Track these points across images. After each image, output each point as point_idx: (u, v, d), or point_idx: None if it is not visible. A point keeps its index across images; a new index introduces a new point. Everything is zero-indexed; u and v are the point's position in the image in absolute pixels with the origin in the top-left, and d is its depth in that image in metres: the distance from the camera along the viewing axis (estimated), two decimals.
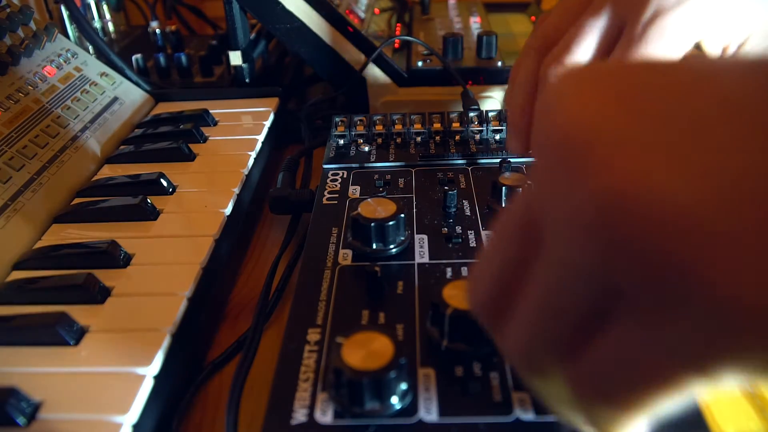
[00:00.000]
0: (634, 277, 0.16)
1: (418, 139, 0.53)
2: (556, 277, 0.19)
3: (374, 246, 0.38)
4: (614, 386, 0.19)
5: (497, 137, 0.52)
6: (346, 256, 0.38)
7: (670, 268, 0.15)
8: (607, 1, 0.38)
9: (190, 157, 0.54)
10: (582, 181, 0.16)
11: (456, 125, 0.53)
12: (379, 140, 0.53)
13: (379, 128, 0.53)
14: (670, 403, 0.18)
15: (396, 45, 0.71)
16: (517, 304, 0.21)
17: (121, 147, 0.56)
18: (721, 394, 0.33)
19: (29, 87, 0.54)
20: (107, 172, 0.52)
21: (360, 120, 0.54)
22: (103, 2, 0.82)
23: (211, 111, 0.61)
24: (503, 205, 0.42)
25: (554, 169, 0.18)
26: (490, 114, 0.53)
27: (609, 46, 0.38)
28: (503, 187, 0.41)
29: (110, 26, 0.84)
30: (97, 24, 0.81)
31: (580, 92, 0.18)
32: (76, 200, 0.48)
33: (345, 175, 0.48)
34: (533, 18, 0.83)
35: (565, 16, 0.40)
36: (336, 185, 0.47)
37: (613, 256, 0.16)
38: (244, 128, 0.59)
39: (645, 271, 0.16)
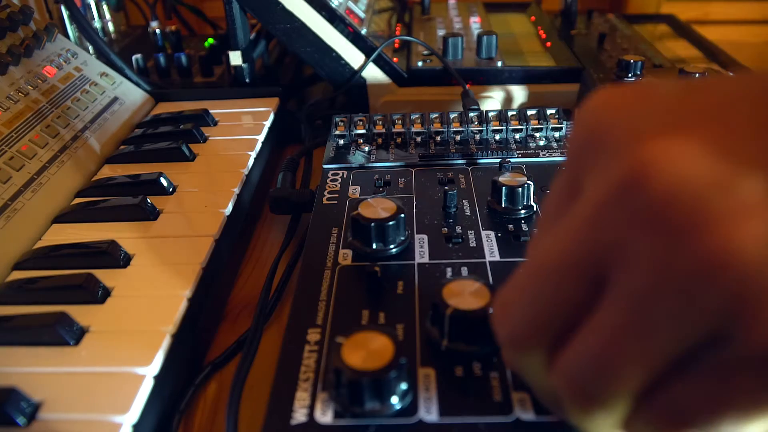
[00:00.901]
0: (756, 334, 0.17)
1: (418, 139, 0.53)
2: (642, 322, 0.18)
3: (374, 246, 0.38)
4: (703, 421, 0.19)
5: (497, 137, 0.52)
6: (346, 256, 0.38)
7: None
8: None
9: (190, 157, 0.54)
10: (700, 244, 0.16)
11: (456, 125, 0.53)
12: (379, 140, 0.53)
13: (379, 128, 0.53)
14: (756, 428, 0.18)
15: (396, 45, 0.71)
16: (574, 340, 0.20)
17: (121, 147, 0.56)
18: None
19: (29, 87, 0.54)
20: (107, 172, 0.52)
21: (360, 120, 0.54)
22: (103, 2, 0.82)
23: (211, 111, 0.61)
24: (503, 206, 0.42)
25: (652, 223, 0.17)
26: (490, 114, 0.53)
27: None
28: (503, 187, 0.41)
29: (110, 26, 0.84)
30: (97, 24, 0.81)
31: (664, 133, 0.18)
32: (76, 200, 0.48)
33: (345, 175, 0.48)
34: (533, 18, 0.83)
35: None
36: (336, 185, 0.47)
37: (729, 314, 0.17)
38: (244, 128, 0.59)
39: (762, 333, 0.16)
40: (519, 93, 0.64)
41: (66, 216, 0.46)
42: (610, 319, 0.19)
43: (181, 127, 0.57)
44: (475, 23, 0.79)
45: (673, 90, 0.20)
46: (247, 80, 0.67)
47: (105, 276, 0.38)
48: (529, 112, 0.53)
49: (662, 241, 0.17)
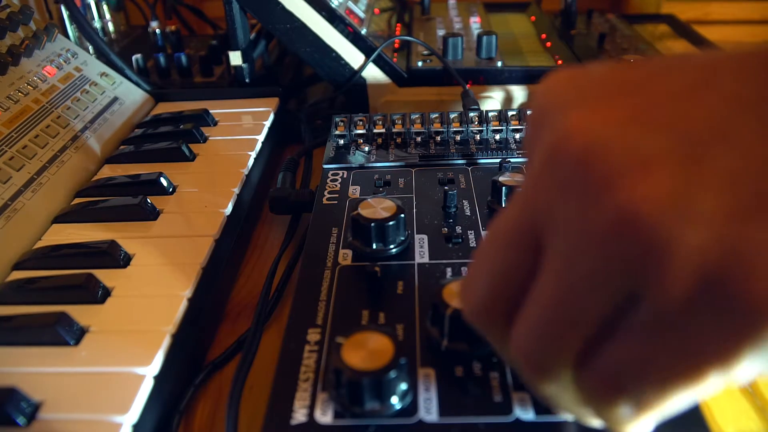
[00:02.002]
0: (661, 287, 0.17)
1: (418, 139, 0.53)
2: (568, 282, 0.19)
3: (374, 246, 0.38)
4: (633, 383, 0.19)
5: (497, 137, 0.52)
6: (346, 256, 0.38)
7: (707, 282, 0.16)
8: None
9: (190, 157, 0.54)
10: (598, 195, 0.17)
11: (456, 125, 0.53)
12: (379, 140, 0.53)
13: (379, 128, 0.53)
14: (686, 398, 0.19)
15: (396, 45, 0.71)
16: (521, 311, 0.21)
17: (121, 147, 0.56)
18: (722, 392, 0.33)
19: (29, 87, 0.54)
20: (107, 172, 0.52)
21: (360, 120, 0.54)
22: (103, 2, 0.82)
23: (211, 111, 0.61)
24: (503, 206, 0.42)
25: (573, 186, 0.18)
26: (490, 114, 0.53)
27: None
28: (503, 187, 0.41)
29: (110, 26, 0.84)
30: (97, 24, 0.81)
31: (590, 105, 0.19)
32: (76, 200, 0.48)
33: (345, 175, 0.48)
34: (533, 18, 0.83)
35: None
36: (336, 185, 0.47)
37: (644, 268, 0.17)
38: (244, 128, 0.59)
39: (673, 285, 0.17)
40: (519, 93, 0.64)
41: (66, 216, 0.46)
42: (544, 285, 0.20)
43: (181, 127, 0.57)
44: (475, 23, 0.79)
45: (603, 69, 0.21)
46: (247, 80, 0.67)
47: (105, 276, 0.38)
48: (529, 112, 0.53)
49: (578, 202, 0.18)
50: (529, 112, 0.22)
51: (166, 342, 0.34)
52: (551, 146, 0.19)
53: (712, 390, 0.18)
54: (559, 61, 0.66)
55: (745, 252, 0.16)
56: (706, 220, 0.16)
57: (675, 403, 0.19)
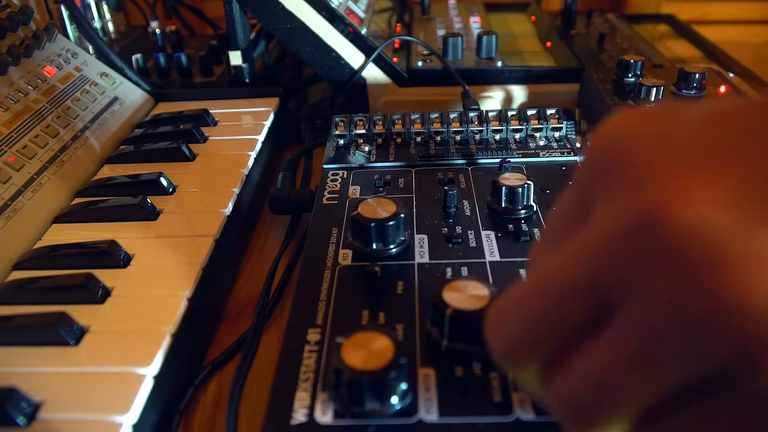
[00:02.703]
0: (763, 378, 0.17)
1: (418, 139, 0.53)
2: (644, 355, 0.18)
3: (374, 246, 0.38)
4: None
5: (497, 137, 0.52)
6: (346, 256, 0.38)
7: None
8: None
9: (190, 157, 0.54)
10: (713, 290, 0.16)
11: (456, 125, 0.53)
12: (379, 140, 0.53)
13: (379, 128, 0.53)
14: None
15: (396, 45, 0.71)
16: (575, 363, 0.20)
17: (121, 147, 0.56)
18: None
19: (29, 87, 0.54)
20: (107, 172, 0.52)
21: (360, 120, 0.54)
22: (103, 2, 0.82)
23: (211, 111, 0.61)
24: (502, 206, 0.42)
25: (663, 263, 0.17)
26: (490, 114, 0.53)
27: None
28: (503, 187, 0.41)
29: (110, 26, 0.84)
30: (97, 24, 0.81)
31: (683, 173, 0.18)
32: (76, 200, 0.48)
33: (345, 175, 0.48)
34: (533, 18, 0.83)
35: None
36: (336, 185, 0.47)
37: (736, 358, 0.17)
38: (244, 128, 0.59)
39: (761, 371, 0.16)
40: (519, 93, 0.64)
41: (66, 216, 0.46)
42: (615, 347, 0.19)
43: (181, 127, 0.57)
44: (475, 23, 0.79)
45: (694, 119, 0.19)
46: (247, 80, 0.67)
47: (105, 276, 0.38)
48: (529, 112, 0.53)
49: (676, 280, 0.17)
50: (595, 149, 0.21)
51: (166, 342, 0.34)
52: (642, 213, 0.18)
53: None
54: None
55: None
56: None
57: None
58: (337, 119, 0.54)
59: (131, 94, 0.63)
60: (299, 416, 0.28)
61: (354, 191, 0.46)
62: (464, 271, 0.37)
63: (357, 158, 0.50)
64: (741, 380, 0.17)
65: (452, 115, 0.53)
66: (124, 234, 0.43)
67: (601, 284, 0.19)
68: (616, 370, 0.19)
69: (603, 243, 0.19)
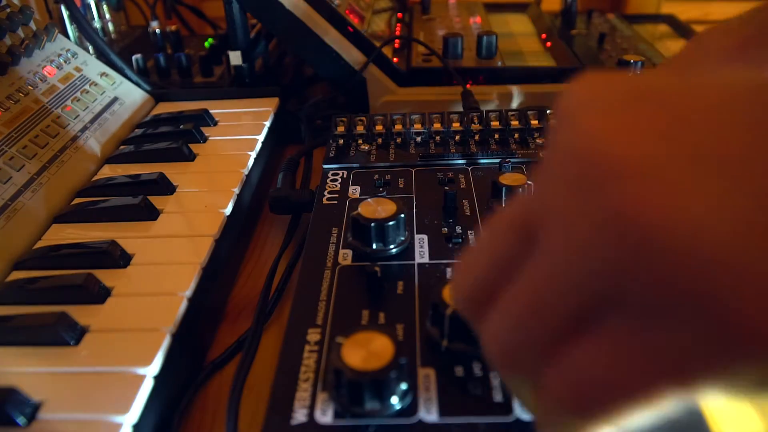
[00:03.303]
0: (635, 287, 0.17)
1: (418, 139, 0.53)
2: (548, 278, 0.19)
3: (374, 246, 0.38)
4: (588, 393, 0.19)
5: (497, 137, 0.52)
6: (346, 256, 0.38)
7: (683, 292, 0.16)
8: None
9: (190, 157, 0.54)
10: (599, 195, 0.17)
11: (456, 125, 0.53)
12: (379, 140, 0.53)
13: (379, 128, 0.53)
14: (638, 416, 0.18)
15: (396, 45, 0.71)
16: (501, 300, 0.21)
17: (121, 147, 0.56)
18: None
19: (29, 87, 0.54)
20: (107, 172, 0.52)
21: (360, 120, 0.54)
22: (103, 2, 0.82)
23: (211, 111, 0.61)
24: (503, 205, 0.42)
25: (573, 183, 0.18)
26: (490, 114, 0.53)
27: None
28: (503, 187, 0.41)
29: (110, 26, 0.84)
30: (97, 24, 0.81)
31: (606, 111, 0.19)
32: (76, 200, 0.48)
33: (345, 175, 0.48)
34: (533, 18, 0.83)
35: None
36: (336, 185, 0.47)
37: (619, 265, 0.17)
38: (244, 128, 0.59)
39: (655, 291, 0.16)
40: (519, 93, 0.64)
41: (66, 216, 0.46)
42: (526, 276, 0.20)
43: (181, 127, 0.57)
44: (475, 23, 0.79)
45: (626, 76, 0.20)
46: (247, 80, 0.67)
47: (105, 276, 0.38)
48: (529, 112, 0.53)
49: (575, 198, 0.18)
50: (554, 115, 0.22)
51: (166, 342, 0.34)
52: (561, 144, 0.19)
53: (667, 409, 0.18)
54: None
55: (737, 273, 0.15)
56: (694, 230, 0.16)
57: (626, 419, 0.18)
58: (337, 119, 0.54)
59: (131, 94, 0.63)
60: (299, 416, 0.28)
61: (354, 191, 0.46)
62: None
63: (357, 158, 0.50)
64: (626, 296, 0.17)
65: (452, 115, 0.53)
66: (124, 234, 0.43)
67: (530, 215, 0.20)
68: (524, 293, 0.20)
69: (534, 181, 0.20)
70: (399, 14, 0.84)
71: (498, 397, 0.29)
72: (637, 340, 0.17)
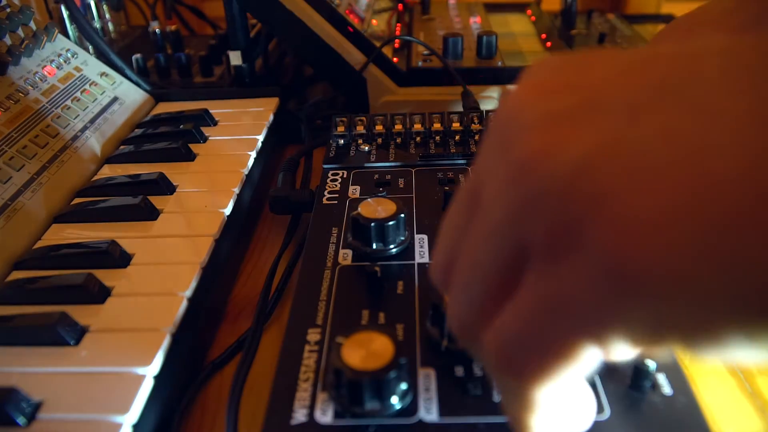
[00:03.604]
0: (538, 230, 0.17)
1: (418, 139, 0.53)
2: (479, 234, 0.20)
3: (374, 246, 0.38)
4: (512, 352, 0.19)
5: None
6: (346, 256, 0.38)
7: (569, 222, 0.16)
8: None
9: (190, 157, 0.54)
10: (510, 150, 0.18)
11: (456, 125, 0.53)
12: (379, 140, 0.53)
13: (379, 128, 0.53)
14: (567, 374, 0.18)
15: (396, 45, 0.71)
16: (453, 268, 0.22)
17: (121, 147, 0.56)
18: (719, 393, 0.33)
19: (29, 87, 0.54)
20: (107, 172, 0.52)
21: (360, 120, 0.54)
22: (103, 2, 0.82)
23: (211, 111, 0.61)
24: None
25: (491, 141, 0.20)
26: (490, 114, 0.53)
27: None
28: None
29: (110, 26, 0.84)
30: (97, 24, 0.81)
31: (534, 79, 0.20)
32: (76, 200, 0.48)
33: (345, 175, 0.48)
34: (533, 18, 0.83)
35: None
36: (336, 185, 0.47)
37: (524, 210, 0.18)
38: (244, 128, 0.59)
39: (547, 224, 0.17)
40: None
41: (66, 216, 0.46)
42: (466, 241, 0.21)
43: (181, 127, 0.57)
44: (475, 23, 0.79)
45: (559, 56, 0.21)
46: (247, 80, 0.67)
47: (105, 276, 0.38)
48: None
49: (494, 154, 0.19)
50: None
51: (166, 342, 0.34)
52: (495, 112, 0.21)
53: (591, 363, 0.18)
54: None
55: (616, 210, 0.15)
56: (577, 169, 0.16)
57: (557, 378, 0.18)
58: (337, 119, 0.54)
59: (131, 94, 0.63)
60: (299, 416, 0.28)
61: (354, 191, 0.46)
62: None
63: (357, 158, 0.50)
64: (532, 248, 0.18)
65: (452, 115, 0.53)
66: (124, 234, 0.43)
67: (474, 187, 0.21)
68: (463, 267, 0.21)
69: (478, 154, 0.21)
70: (400, 5, 0.84)
71: (498, 397, 0.29)
72: (545, 293, 0.18)
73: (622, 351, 0.17)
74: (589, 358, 0.18)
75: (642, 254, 0.15)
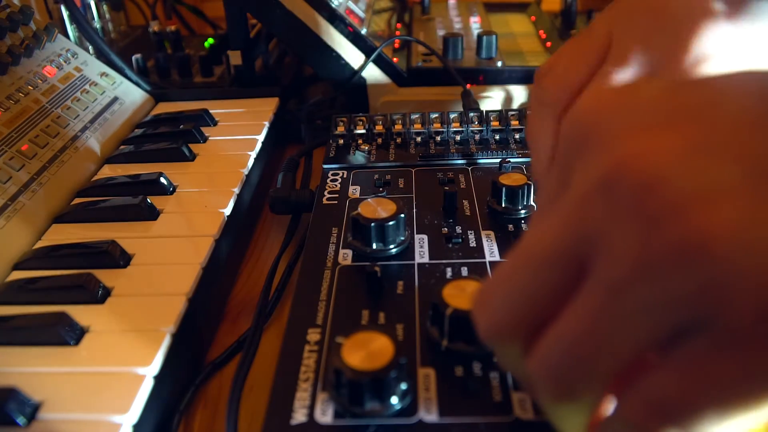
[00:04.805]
0: (730, 318, 0.17)
1: (418, 139, 0.53)
2: (609, 307, 0.19)
3: (374, 246, 0.38)
4: (682, 410, 0.19)
5: (497, 137, 0.52)
6: (346, 256, 0.38)
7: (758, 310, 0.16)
8: (636, 43, 0.30)
9: (190, 157, 0.54)
10: (675, 235, 0.17)
11: (456, 125, 0.53)
12: (379, 140, 0.53)
13: (379, 128, 0.53)
14: (735, 425, 0.18)
15: (396, 45, 0.71)
16: (552, 330, 0.21)
17: (121, 147, 0.56)
18: None
19: (29, 87, 0.54)
20: (107, 172, 0.52)
21: (360, 120, 0.54)
22: (103, 2, 0.82)
23: (211, 111, 0.61)
24: (502, 206, 0.42)
25: (631, 212, 0.18)
26: (490, 114, 0.53)
27: None
28: (503, 187, 0.41)
29: (110, 26, 0.84)
30: (97, 24, 0.81)
31: (646, 129, 0.19)
32: (76, 200, 0.48)
33: (345, 175, 0.48)
34: (533, 18, 0.83)
35: (578, 64, 0.32)
36: (336, 185, 0.47)
37: (712, 300, 0.17)
38: (244, 128, 0.59)
39: (744, 316, 0.16)
40: (519, 93, 0.64)
41: (66, 216, 0.46)
42: (587, 305, 0.19)
43: (181, 127, 0.57)
44: (475, 23, 0.79)
45: (660, 88, 0.20)
46: (247, 80, 0.67)
47: (105, 276, 0.38)
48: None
49: (638, 229, 0.18)
50: (568, 126, 0.22)
51: (166, 342, 0.34)
52: (608, 170, 0.18)
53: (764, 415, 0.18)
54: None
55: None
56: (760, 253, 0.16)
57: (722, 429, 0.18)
58: (337, 119, 0.54)
59: (131, 94, 0.63)
60: (299, 416, 0.28)
61: (354, 191, 0.46)
62: (464, 271, 0.37)
63: (357, 158, 0.50)
64: (714, 321, 0.17)
65: (452, 115, 0.53)
66: (124, 234, 0.43)
67: (575, 246, 0.20)
68: (587, 327, 0.19)
69: (575, 206, 0.20)
70: None
71: (498, 397, 0.29)
72: (716, 362, 0.17)
73: None
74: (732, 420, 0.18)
75: None
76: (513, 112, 0.53)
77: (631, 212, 0.18)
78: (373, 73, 0.64)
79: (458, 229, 0.41)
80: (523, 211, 0.42)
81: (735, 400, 0.18)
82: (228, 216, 0.46)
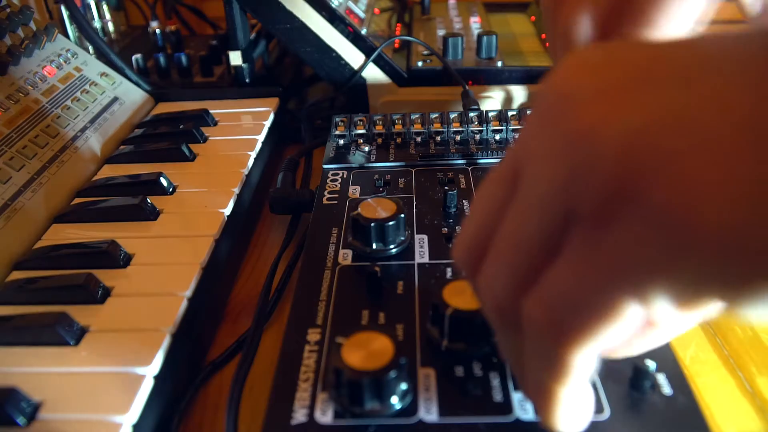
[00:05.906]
0: (589, 195, 0.18)
1: (418, 139, 0.53)
2: (523, 209, 0.20)
3: (374, 246, 0.38)
4: (559, 313, 0.20)
5: (497, 137, 0.52)
6: (346, 256, 0.38)
7: (624, 185, 0.17)
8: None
9: (190, 157, 0.54)
10: (561, 123, 0.19)
11: (456, 125, 0.53)
12: (379, 140, 0.53)
13: (379, 128, 0.53)
14: (610, 335, 0.19)
15: (396, 45, 0.71)
16: (491, 248, 0.22)
17: (121, 147, 0.56)
18: (719, 393, 0.33)
19: (29, 87, 0.54)
20: (107, 172, 0.52)
21: (360, 120, 0.54)
22: (103, 2, 0.82)
23: (211, 111, 0.61)
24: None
25: (540, 119, 0.20)
26: (490, 114, 0.53)
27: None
28: None
29: (110, 26, 0.84)
30: (97, 24, 0.81)
31: (570, 63, 0.20)
32: (76, 200, 0.48)
33: (345, 175, 0.48)
34: (533, 18, 0.83)
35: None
36: (336, 185, 0.47)
37: (575, 177, 0.18)
38: (244, 128, 0.59)
39: (600, 188, 0.18)
40: (519, 93, 0.64)
41: (66, 216, 0.46)
42: (507, 218, 0.21)
43: (181, 127, 0.57)
44: (475, 23, 0.79)
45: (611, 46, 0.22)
46: (247, 80, 0.67)
47: (105, 276, 0.38)
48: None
49: (541, 130, 0.20)
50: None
51: (166, 342, 0.34)
52: (540, 93, 0.21)
53: (632, 327, 0.19)
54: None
55: (672, 172, 0.16)
56: (632, 136, 0.17)
57: (600, 338, 0.19)
58: (337, 119, 0.54)
59: (131, 94, 0.63)
60: (299, 416, 0.28)
61: (354, 191, 0.46)
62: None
63: (357, 158, 0.50)
64: (579, 210, 0.18)
65: (452, 115, 0.53)
66: (124, 234, 0.43)
67: (515, 163, 0.21)
68: (505, 240, 0.21)
69: (518, 137, 0.22)
70: None
71: (498, 397, 0.29)
72: (592, 254, 0.18)
73: (662, 310, 0.18)
74: (631, 317, 0.18)
75: (704, 208, 0.15)
76: (513, 112, 0.53)
77: (539, 119, 0.20)
78: (373, 74, 0.64)
79: (458, 229, 0.41)
80: None
81: (595, 302, 0.19)
82: (228, 216, 0.46)
